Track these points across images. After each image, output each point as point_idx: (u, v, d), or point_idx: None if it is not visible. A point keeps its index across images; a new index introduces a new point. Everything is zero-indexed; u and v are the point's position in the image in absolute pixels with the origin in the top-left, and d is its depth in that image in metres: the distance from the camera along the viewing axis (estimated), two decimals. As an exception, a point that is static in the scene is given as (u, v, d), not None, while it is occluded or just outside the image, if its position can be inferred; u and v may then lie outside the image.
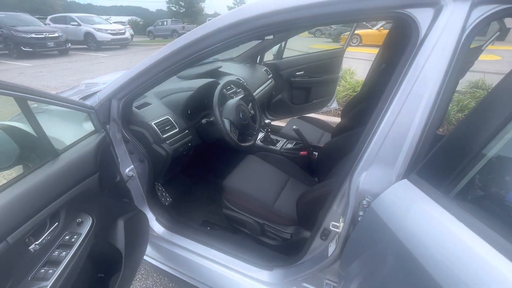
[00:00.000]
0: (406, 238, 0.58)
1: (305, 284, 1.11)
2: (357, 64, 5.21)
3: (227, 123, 1.36)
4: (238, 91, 1.92)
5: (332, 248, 0.92)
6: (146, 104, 1.43)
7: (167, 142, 1.38)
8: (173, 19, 22.39)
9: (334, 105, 3.10)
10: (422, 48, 0.68)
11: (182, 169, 1.96)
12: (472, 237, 0.48)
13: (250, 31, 0.88)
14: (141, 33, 24.97)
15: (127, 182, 1.23)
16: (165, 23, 20.75)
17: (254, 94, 2.08)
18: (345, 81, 4.07)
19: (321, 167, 1.53)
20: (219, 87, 1.42)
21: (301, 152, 1.75)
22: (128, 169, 1.28)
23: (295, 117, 2.46)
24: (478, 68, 2.92)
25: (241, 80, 1.94)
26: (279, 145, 1.94)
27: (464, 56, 0.66)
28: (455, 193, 0.56)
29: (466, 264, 0.46)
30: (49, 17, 12.83)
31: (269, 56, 2.80)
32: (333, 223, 0.88)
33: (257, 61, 2.64)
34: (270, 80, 2.47)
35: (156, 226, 1.41)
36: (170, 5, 35.20)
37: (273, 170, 1.58)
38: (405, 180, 0.67)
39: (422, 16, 0.69)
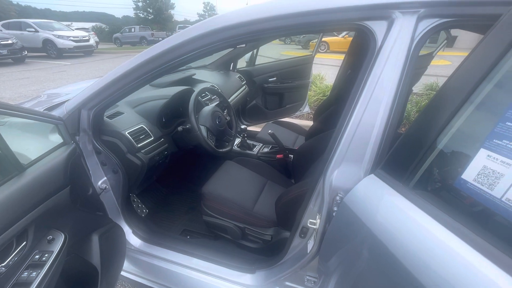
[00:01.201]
0: (375, 228, 0.63)
1: (287, 283, 1.14)
2: (326, 70, 5.48)
3: (203, 130, 1.37)
4: (213, 98, 1.93)
5: (310, 244, 0.96)
6: (118, 114, 1.39)
7: (142, 151, 1.35)
8: (142, 26, 21.84)
9: (306, 109, 3.22)
10: (379, 56, 0.76)
11: (158, 178, 1.91)
12: (429, 221, 0.54)
13: (223, 40, 0.92)
14: (107, 40, 23.94)
15: (100, 194, 1.18)
16: (133, 29, 20.15)
17: (229, 100, 2.11)
18: (315, 86, 4.25)
19: (297, 168, 1.59)
20: (194, 94, 1.43)
21: (278, 156, 1.80)
22: (101, 181, 1.23)
23: (270, 122, 2.52)
24: (432, 72, 3.24)
25: (215, 87, 1.96)
26: (256, 150, 1.98)
27: (415, 62, 0.75)
28: (414, 184, 0.63)
29: (425, 245, 0.53)
30: (0, 22, 11.82)
31: (242, 63, 2.85)
32: (310, 220, 0.92)
33: (231, 68, 2.68)
34: (244, 87, 2.52)
35: (133, 239, 1.36)
36: (138, 11, 34.24)
37: (251, 174, 1.61)
38: (372, 175, 0.74)
39: (378, 28, 0.77)
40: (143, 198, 1.71)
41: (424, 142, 0.62)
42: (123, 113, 1.41)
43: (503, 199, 0.46)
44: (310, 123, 3.59)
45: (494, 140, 0.49)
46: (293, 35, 0.89)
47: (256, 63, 2.85)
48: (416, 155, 0.63)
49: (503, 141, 0.48)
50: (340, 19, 0.82)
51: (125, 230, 1.30)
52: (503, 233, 0.45)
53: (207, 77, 2.13)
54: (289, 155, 1.82)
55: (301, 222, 1.01)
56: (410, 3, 0.73)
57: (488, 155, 0.49)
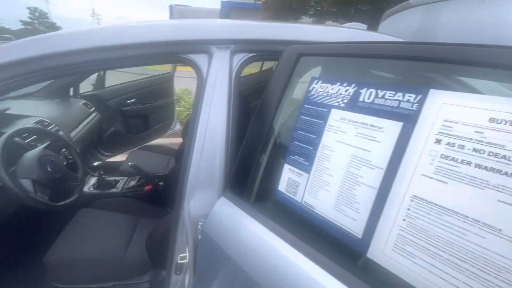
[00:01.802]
0: (231, 251, 0.67)
1: None
2: (194, 83, 5.56)
3: (28, 185, 1.04)
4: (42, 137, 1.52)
5: (187, 280, 0.92)
6: None
7: None
8: None
9: (177, 126, 3.14)
10: (207, 85, 0.82)
11: None
12: (266, 233, 0.62)
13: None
14: None
15: None
16: None
17: (72, 134, 1.73)
18: (184, 101, 4.23)
19: (170, 196, 1.51)
20: (3, 137, 1.06)
21: (146, 188, 1.65)
22: None
23: (136, 149, 2.28)
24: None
25: (45, 122, 1.55)
26: (119, 186, 1.73)
27: (239, 89, 0.86)
28: (253, 200, 0.71)
29: (263, 252, 0.60)
30: None
31: (87, 86, 2.42)
32: (181, 255, 0.88)
33: (71, 94, 2.21)
34: (94, 114, 2.15)
35: None
36: None
37: (116, 217, 1.38)
38: (222, 198, 0.78)
39: (201, 60, 0.83)
40: None
41: (252, 161, 0.71)
42: None
43: (303, 202, 0.58)
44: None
45: (290, 156, 0.62)
46: (117, 69, 0.83)
47: (106, 85, 2.50)
48: (249, 173, 0.72)
49: (295, 156, 0.61)
50: (167, 52, 0.83)
51: None
52: (307, 230, 0.57)
53: (31, 110, 1.65)
54: (159, 183, 1.70)
55: (173, 258, 0.95)
56: (222, 40, 0.82)
57: (289, 169, 0.62)
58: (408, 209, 0.42)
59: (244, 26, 0.92)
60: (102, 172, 1.66)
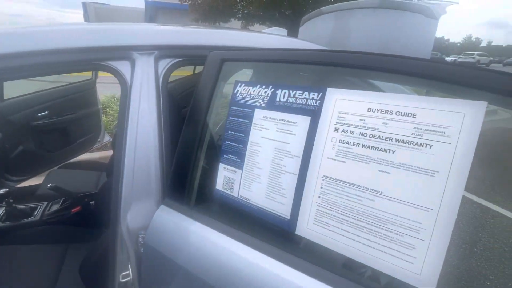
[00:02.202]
0: (178, 258, 0.67)
1: None
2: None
3: None
4: None
5: None
6: None
7: None
8: None
9: (106, 138, 2.84)
10: (133, 93, 0.79)
11: None
12: (208, 232, 0.65)
13: None
14: None
15: None
16: None
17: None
18: (112, 109, 3.85)
19: (103, 215, 1.37)
20: None
21: (73, 210, 1.46)
22: None
23: (55, 168, 1.98)
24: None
25: None
26: (37, 213, 1.49)
27: (167, 95, 0.85)
28: (193, 203, 0.73)
29: (209, 252, 0.63)
30: None
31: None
32: (123, 274, 0.83)
33: (-45, 112, 1.79)
34: (-9, 133, 1.78)
35: None
36: None
37: (37, 250, 1.19)
38: (162, 206, 0.77)
39: (122, 67, 0.79)
40: None
41: (188, 165, 0.73)
42: None
43: (239, 196, 0.63)
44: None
45: (224, 156, 0.66)
46: (18, 79, 0.73)
47: (6, 97, 2.09)
48: (187, 177, 0.73)
49: (228, 155, 0.65)
50: (84, 60, 0.77)
51: None
52: (245, 221, 0.62)
53: None
54: (91, 202, 1.53)
55: (115, 279, 0.89)
56: (145, 46, 0.80)
57: (224, 167, 0.66)
58: (321, 188, 0.51)
59: (168, 31, 0.92)
60: (11, 201, 1.40)
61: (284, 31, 1.55)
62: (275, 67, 0.66)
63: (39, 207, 1.54)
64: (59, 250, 1.23)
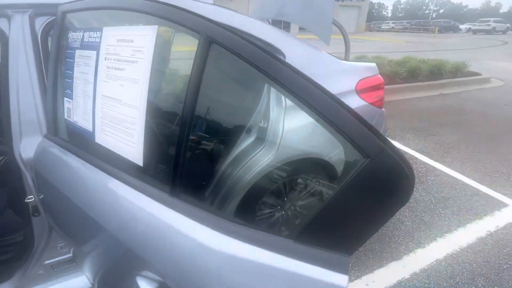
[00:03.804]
0: (53, 180, 0.87)
1: (46, 262, 1.21)
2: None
3: None
4: None
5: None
6: None
7: None
8: None
9: None
10: (10, 44, 0.93)
11: None
12: (67, 156, 0.84)
13: None
14: None
15: None
16: None
17: None
18: None
19: None
20: None
21: None
22: None
23: None
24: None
25: None
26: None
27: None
28: (57, 133, 0.91)
29: (65, 171, 0.82)
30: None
31: None
32: (28, 197, 1.04)
33: None
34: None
35: None
36: None
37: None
38: (43, 138, 0.96)
39: (2, 24, 0.95)
40: None
41: (55, 103, 0.90)
42: None
43: (73, 121, 0.81)
44: None
45: (64, 91, 0.83)
46: None
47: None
48: (56, 113, 0.91)
49: (67, 90, 0.83)
50: None
51: None
52: (82, 141, 0.80)
53: None
54: None
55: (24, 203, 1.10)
56: (17, 5, 0.95)
57: (66, 100, 0.84)
58: (102, 104, 0.68)
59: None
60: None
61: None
62: (103, 14, 0.80)
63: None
64: None
